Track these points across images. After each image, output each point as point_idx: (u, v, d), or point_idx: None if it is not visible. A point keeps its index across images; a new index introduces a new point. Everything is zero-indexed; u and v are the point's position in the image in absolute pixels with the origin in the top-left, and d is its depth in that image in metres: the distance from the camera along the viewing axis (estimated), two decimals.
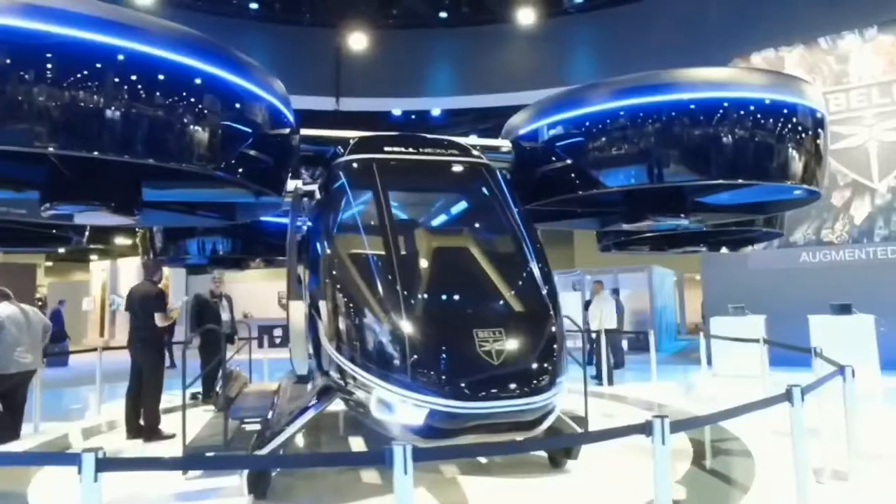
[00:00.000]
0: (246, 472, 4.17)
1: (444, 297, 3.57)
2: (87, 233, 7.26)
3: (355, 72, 15.41)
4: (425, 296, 3.48)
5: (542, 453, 4.99)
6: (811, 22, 11.62)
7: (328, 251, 3.81)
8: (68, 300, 21.83)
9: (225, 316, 8.40)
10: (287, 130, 4.43)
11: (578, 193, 5.17)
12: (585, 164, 5.03)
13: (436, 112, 17.61)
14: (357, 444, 5.99)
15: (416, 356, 3.10)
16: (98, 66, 3.42)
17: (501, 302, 3.51)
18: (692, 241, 8.46)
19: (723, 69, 6.67)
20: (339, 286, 3.58)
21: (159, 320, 6.27)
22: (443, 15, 15.88)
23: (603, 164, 4.99)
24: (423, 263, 3.61)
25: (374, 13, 15.85)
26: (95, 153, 3.55)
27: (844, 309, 9.87)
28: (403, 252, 3.62)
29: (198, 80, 3.69)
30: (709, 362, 10.80)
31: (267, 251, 9.15)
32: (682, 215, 5.57)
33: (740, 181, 4.97)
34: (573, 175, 5.13)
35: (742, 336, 9.96)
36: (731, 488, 4.53)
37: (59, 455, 3.49)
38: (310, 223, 4.59)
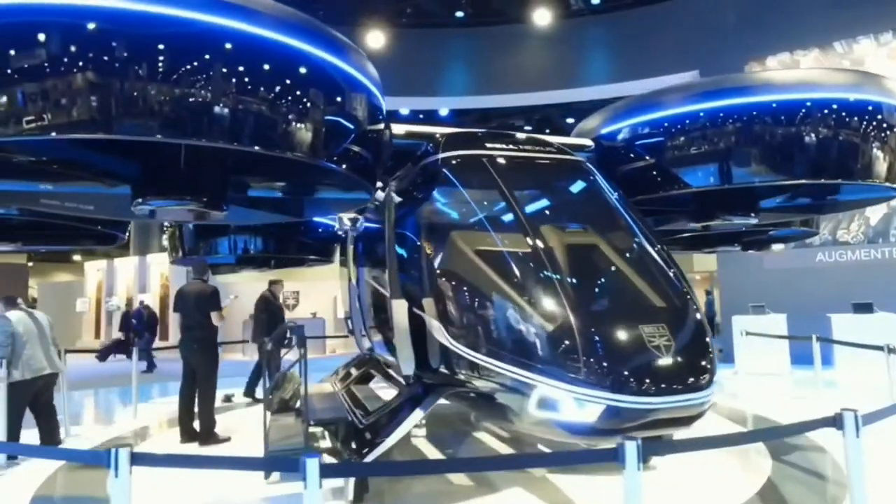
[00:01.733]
0: (353, 478, 4.07)
1: (602, 293, 3.51)
2: (129, 230, 7.05)
3: None
4: (585, 292, 3.41)
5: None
6: (827, 26, 11.82)
7: (454, 249, 3.71)
8: (59, 301, 21.18)
9: None
10: (383, 124, 4.34)
11: (660, 193, 5.18)
12: (669, 164, 5.06)
13: (444, 112, 17.53)
14: (423, 446, 5.90)
15: (591, 352, 3.03)
16: (207, 55, 3.27)
17: (654, 298, 3.47)
18: (727, 240, 8.51)
19: (807, 70, 6.73)
20: (481, 284, 3.48)
21: (216, 319, 6.16)
22: (459, 14, 15.81)
23: (687, 165, 5.02)
24: (570, 260, 3.53)
25: (388, 11, 15.72)
26: (204, 141, 3.39)
27: (866, 308, 10.11)
28: (548, 248, 3.54)
29: (309, 67, 3.52)
30: (732, 360, 10.99)
31: (299, 250, 8.99)
32: (753, 214, 5.63)
33: (823, 181, 5.02)
34: (656, 174, 5.14)
35: (766, 334, 10.20)
36: (826, 483, 4.57)
37: (284, 460, 3.45)
38: (403, 219, 4.44)
